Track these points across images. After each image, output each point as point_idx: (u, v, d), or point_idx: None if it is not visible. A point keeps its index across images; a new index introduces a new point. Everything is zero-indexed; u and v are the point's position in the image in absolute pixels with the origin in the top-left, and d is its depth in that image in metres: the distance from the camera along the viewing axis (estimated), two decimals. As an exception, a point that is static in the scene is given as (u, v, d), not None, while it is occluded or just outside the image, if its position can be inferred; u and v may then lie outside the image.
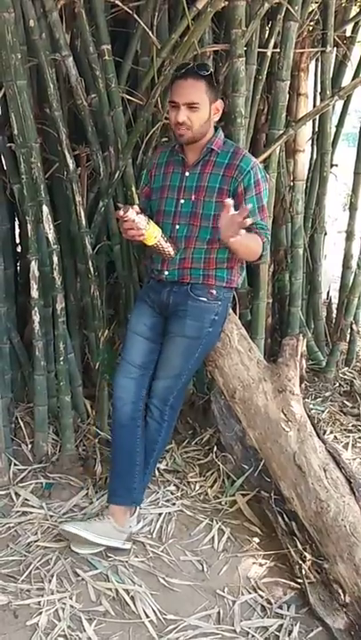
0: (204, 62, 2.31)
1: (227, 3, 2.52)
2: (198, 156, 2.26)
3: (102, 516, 2.29)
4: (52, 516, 2.44)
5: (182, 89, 2.17)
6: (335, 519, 2.12)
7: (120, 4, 2.60)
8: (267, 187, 2.31)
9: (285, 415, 2.28)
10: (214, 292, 2.29)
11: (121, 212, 2.09)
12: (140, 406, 2.34)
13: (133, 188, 2.73)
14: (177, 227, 2.28)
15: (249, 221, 1.99)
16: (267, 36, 2.87)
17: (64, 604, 2.03)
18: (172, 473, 2.74)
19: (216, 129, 2.31)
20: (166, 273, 2.31)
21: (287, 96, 2.84)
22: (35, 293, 2.65)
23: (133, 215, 2.09)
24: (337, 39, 3.16)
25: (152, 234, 2.17)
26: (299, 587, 2.18)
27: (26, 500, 2.52)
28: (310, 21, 2.97)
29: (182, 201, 2.27)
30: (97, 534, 2.22)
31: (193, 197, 2.26)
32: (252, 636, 1.99)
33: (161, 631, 1.98)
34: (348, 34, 3.37)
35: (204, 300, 2.29)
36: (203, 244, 2.26)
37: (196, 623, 2.02)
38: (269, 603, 2.12)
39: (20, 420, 2.89)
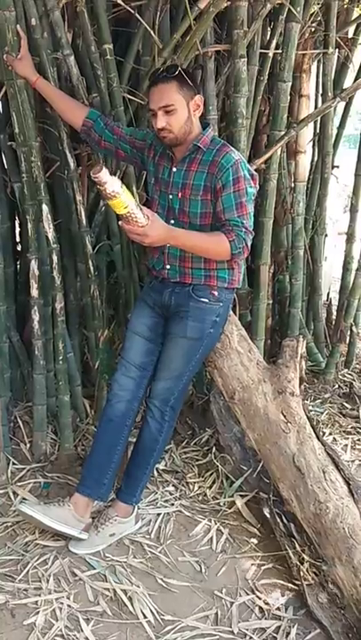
0: (173, 64, 2.29)
1: (229, 3, 2.52)
2: (185, 152, 2.23)
3: (62, 502, 2.28)
4: (50, 516, 2.43)
5: (154, 95, 2.16)
6: (334, 521, 2.12)
7: (122, 3, 2.59)
8: (252, 185, 2.20)
9: (285, 417, 2.28)
10: (216, 293, 2.29)
11: (92, 172, 1.84)
12: (135, 406, 2.35)
13: (134, 188, 2.73)
14: (172, 221, 2.25)
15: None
16: (269, 36, 2.87)
17: (61, 603, 2.03)
18: (170, 473, 2.74)
19: (206, 125, 2.27)
20: (168, 267, 2.30)
21: (289, 97, 2.83)
22: (34, 292, 2.65)
23: (106, 177, 1.84)
24: (339, 41, 3.16)
25: (123, 202, 1.90)
26: (297, 588, 2.17)
27: (24, 499, 2.51)
28: (312, 23, 2.97)
29: (170, 196, 2.27)
30: (52, 519, 2.20)
31: (180, 195, 2.24)
32: (250, 637, 1.99)
33: (158, 632, 1.98)
34: (350, 35, 3.37)
35: (206, 301, 2.28)
36: None
37: (193, 624, 2.02)
38: (267, 604, 2.11)
39: (18, 420, 2.89)
